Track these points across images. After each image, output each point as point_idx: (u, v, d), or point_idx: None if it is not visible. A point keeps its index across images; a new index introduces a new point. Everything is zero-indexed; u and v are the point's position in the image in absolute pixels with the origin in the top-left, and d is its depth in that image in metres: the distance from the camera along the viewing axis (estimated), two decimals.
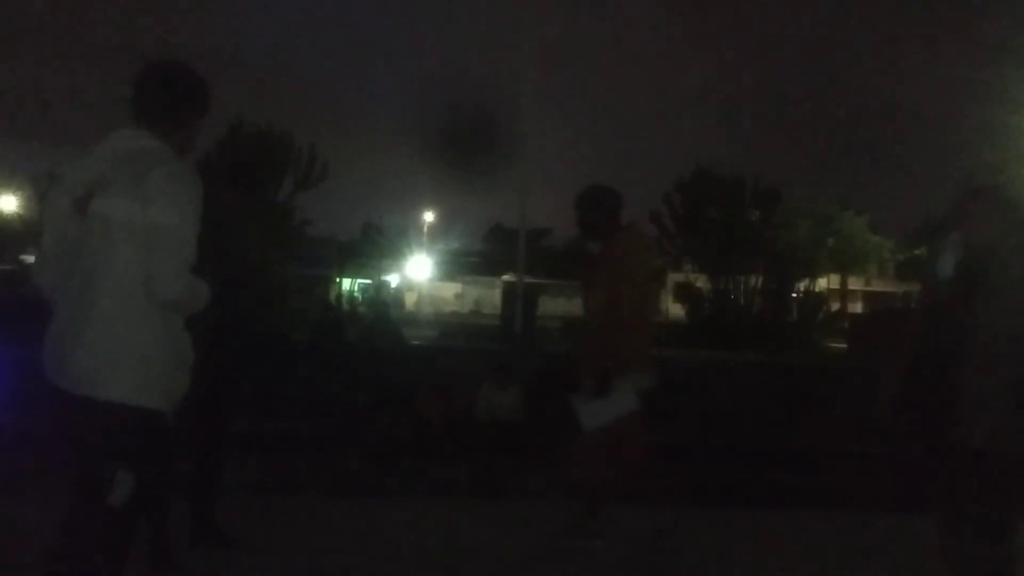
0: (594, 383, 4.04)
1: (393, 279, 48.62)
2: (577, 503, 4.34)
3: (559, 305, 33.43)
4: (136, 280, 2.31)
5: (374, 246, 46.93)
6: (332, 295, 31.04)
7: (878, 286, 45.95)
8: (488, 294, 48.57)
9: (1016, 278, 2.86)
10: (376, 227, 50.16)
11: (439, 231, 52.87)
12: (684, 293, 25.05)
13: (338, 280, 39.61)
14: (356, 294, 40.69)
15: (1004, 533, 2.84)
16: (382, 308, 16.75)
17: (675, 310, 27.75)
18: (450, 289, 53.46)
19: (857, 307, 41.46)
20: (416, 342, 14.67)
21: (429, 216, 51.92)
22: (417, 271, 49.90)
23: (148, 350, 2.32)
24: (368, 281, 43.64)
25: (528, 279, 19.84)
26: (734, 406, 8.84)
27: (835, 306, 29.77)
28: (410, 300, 47.27)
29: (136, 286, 2.31)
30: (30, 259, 51.74)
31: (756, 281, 23.38)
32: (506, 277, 37.27)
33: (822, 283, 33.62)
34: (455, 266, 53.59)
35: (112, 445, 2.32)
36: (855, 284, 44.99)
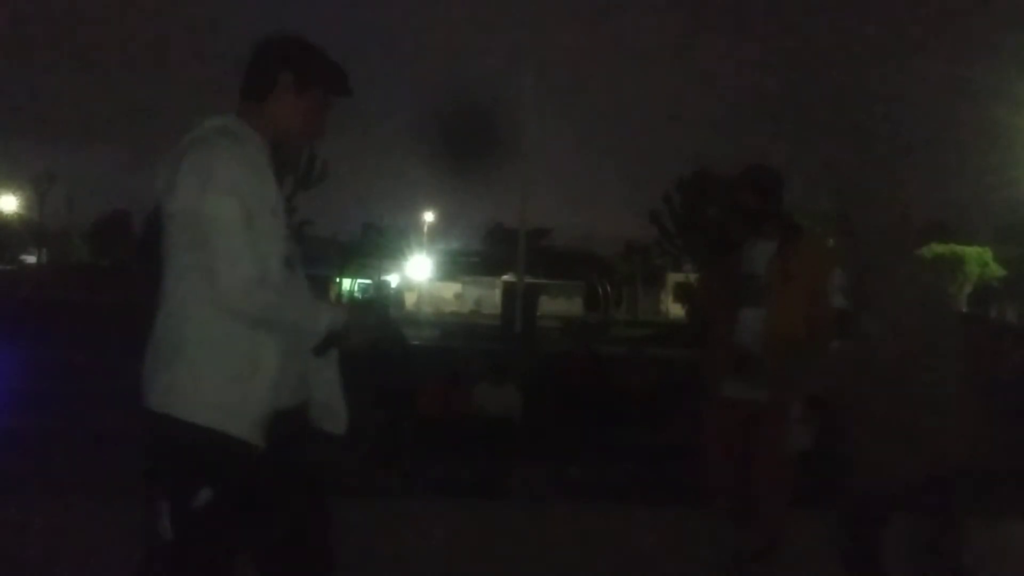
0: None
1: (393, 279, 48.68)
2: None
3: (559, 305, 33.52)
4: (184, 282, 2.05)
5: (374, 246, 46.97)
6: (332, 295, 31.04)
7: None
8: (488, 294, 48.58)
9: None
10: (376, 227, 50.22)
11: (439, 231, 52.97)
12: (684, 293, 25.10)
13: (338, 280, 39.62)
14: (356, 294, 40.72)
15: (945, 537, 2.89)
16: (382, 308, 16.74)
17: (675, 310, 27.78)
18: (450, 289, 53.50)
19: None
20: (416, 342, 14.68)
21: (429, 216, 52.05)
22: (417, 271, 49.93)
23: (203, 363, 2.05)
24: (368, 281, 43.68)
25: (528, 279, 19.85)
26: None
27: None
28: (410, 300, 47.31)
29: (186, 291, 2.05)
30: (30, 259, 51.77)
31: None
32: (506, 277, 37.30)
33: None
34: (455, 266, 53.63)
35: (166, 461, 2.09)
36: None
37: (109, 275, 30.11)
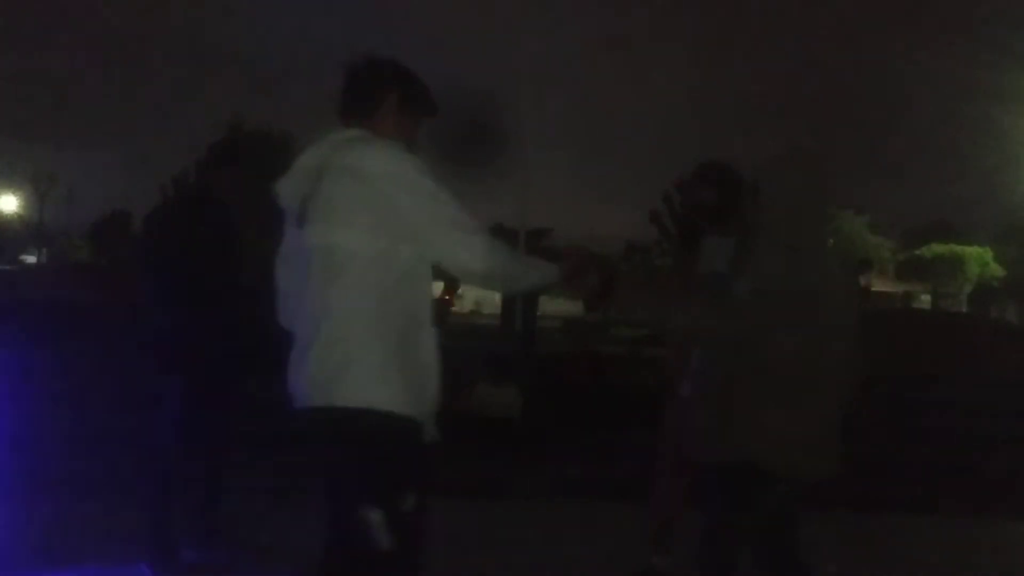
0: None
1: None
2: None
3: (559, 305, 33.44)
4: (364, 300, 2.16)
5: None
6: None
7: (878, 286, 45.98)
8: (488, 294, 48.52)
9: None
10: None
11: None
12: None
13: None
14: None
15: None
16: None
17: None
18: None
19: None
20: None
21: None
22: None
23: (385, 357, 2.17)
24: None
25: None
26: None
27: None
28: None
29: (367, 305, 2.16)
30: (30, 259, 51.79)
31: None
32: None
33: None
34: None
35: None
36: None
37: (109, 275, 30.09)
